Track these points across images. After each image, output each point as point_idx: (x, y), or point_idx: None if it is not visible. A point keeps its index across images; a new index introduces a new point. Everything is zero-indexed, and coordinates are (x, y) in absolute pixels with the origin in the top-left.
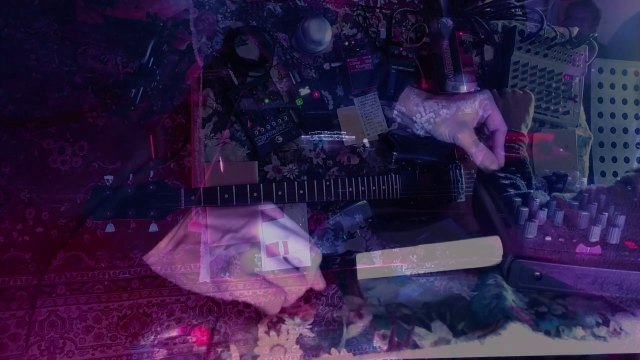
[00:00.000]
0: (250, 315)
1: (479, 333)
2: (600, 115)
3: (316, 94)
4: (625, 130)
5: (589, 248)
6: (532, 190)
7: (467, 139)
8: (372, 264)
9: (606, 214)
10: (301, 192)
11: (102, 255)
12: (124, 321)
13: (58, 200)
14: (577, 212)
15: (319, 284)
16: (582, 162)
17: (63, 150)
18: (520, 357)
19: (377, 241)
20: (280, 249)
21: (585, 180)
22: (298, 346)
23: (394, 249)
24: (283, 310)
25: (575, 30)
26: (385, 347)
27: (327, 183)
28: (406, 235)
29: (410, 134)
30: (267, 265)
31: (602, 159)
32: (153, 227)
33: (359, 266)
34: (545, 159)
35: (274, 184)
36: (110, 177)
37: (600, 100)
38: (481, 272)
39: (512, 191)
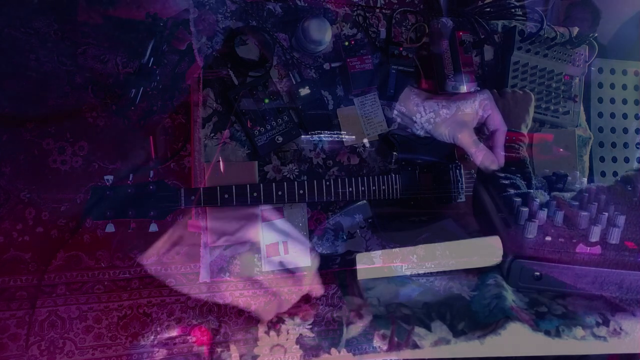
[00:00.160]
0: (250, 315)
1: (479, 333)
2: (600, 115)
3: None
4: (625, 130)
5: (589, 248)
6: (532, 190)
7: (467, 139)
8: (372, 264)
9: (606, 214)
10: (301, 192)
11: (102, 255)
12: (124, 321)
13: (58, 200)
14: (577, 212)
15: (317, 290)
16: (582, 162)
17: (63, 150)
18: (520, 357)
19: (377, 241)
20: (279, 250)
21: (585, 180)
22: (298, 346)
23: (394, 249)
24: (278, 315)
25: (575, 30)
26: (385, 347)
27: (327, 183)
28: (406, 235)
29: (410, 134)
30: (267, 265)
31: (602, 159)
32: (153, 227)
33: (359, 266)
34: (545, 159)
35: (274, 184)
36: (110, 177)
37: (600, 100)
38: (481, 272)
39: (512, 191)
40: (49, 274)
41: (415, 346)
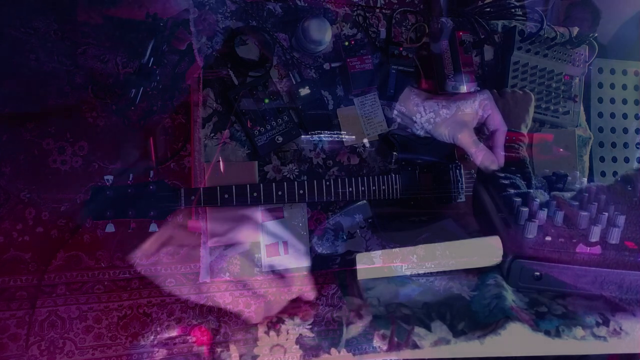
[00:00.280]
0: (250, 315)
1: (479, 333)
2: (600, 115)
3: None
4: (625, 130)
5: (589, 248)
6: (532, 190)
7: (467, 139)
8: (372, 264)
9: (606, 213)
10: (301, 192)
11: (102, 255)
12: (124, 321)
13: (58, 200)
14: (577, 212)
15: (309, 294)
16: (582, 162)
17: (63, 150)
18: (520, 357)
19: (377, 241)
20: (279, 250)
21: (585, 180)
22: (298, 346)
23: (394, 249)
24: (268, 317)
25: (575, 30)
26: (385, 347)
27: (327, 183)
28: (406, 235)
29: (410, 134)
30: (267, 265)
31: (602, 159)
32: (153, 227)
33: (359, 266)
34: (545, 159)
35: (274, 184)
36: (110, 177)
37: (600, 100)
38: (481, 272)
39: (512, 191)
40: (49, 274)
41: (415, 346)
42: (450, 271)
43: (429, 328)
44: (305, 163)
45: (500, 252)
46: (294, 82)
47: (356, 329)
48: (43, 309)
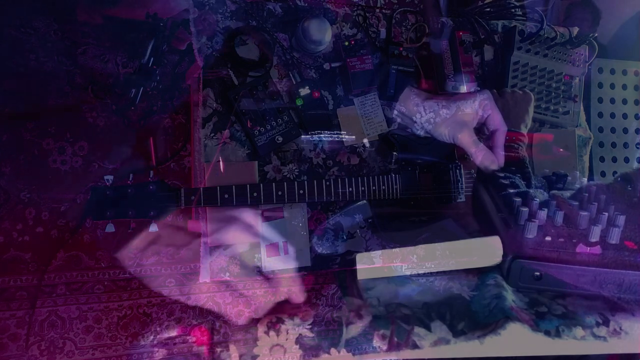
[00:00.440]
0: (250, 315)
1: (479, 333)
2: (600, 115)
3: (316, 94)
4: (625, 130)
5: (588, 248)
6: (531, 190)
7: (467, 139)
8: (372, 264)
9: (606, 213)
10: (301, 192)
11: (102, 255)
12: (124, 321)
13: (58, 200)
14: (577, 212)
15: (298, 297)
16: (582, 162)
17: (63, 150)
18: (520, 357)
19: (377, 241)
20: (279, 250)
21: (585, 180)
22: (298, 346)
23: (394, 249)
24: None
25: (575, 30)
26: (385, 347)
27: (327, 183)
28: (406, 235)
29: (410, 134)
30: (267, 265)
31: (602, 159)
32: (153, 227)
33: (359, 266)
34: (545, 159)
35: (274, 184)
36: (110, 177)
37: (600, 100)
38: (481, 272)
39: (511, 191)
40: (49, 274)
41: (415, 346)
42: (450, 271)
43: (428, 328)
44: (305, 163)
45: (500, 252)
46: (294, 82)
47: (356, 329)
48: (43, 309)
